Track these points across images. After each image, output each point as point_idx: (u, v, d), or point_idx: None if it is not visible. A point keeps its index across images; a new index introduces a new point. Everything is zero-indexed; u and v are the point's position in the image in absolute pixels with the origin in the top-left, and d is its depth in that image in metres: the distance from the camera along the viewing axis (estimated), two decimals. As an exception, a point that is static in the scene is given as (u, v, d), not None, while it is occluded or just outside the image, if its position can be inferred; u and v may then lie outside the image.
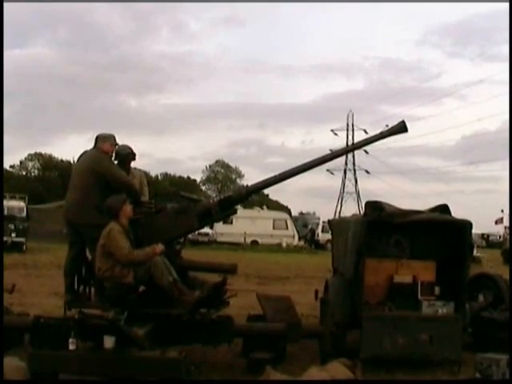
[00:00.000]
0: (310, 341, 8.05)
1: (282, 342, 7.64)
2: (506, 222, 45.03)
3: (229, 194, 7.61)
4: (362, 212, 9.00)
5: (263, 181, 7.68)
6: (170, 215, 7.38)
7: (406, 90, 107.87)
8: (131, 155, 8.21)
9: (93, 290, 7.32)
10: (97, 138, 7.66)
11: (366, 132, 74.39)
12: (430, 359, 7.53)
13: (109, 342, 5.23)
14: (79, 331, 5.31)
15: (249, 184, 7.80)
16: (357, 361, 7.09)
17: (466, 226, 7.84)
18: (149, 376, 5.70)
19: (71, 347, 5.23)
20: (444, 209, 8.10)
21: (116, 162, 7.92)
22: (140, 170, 8.35)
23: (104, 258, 6.89)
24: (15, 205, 30.17)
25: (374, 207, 7.88)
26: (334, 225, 10.25)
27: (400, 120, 7.53)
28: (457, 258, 7.87)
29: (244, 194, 7.57)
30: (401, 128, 7.50)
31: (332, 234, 10.26)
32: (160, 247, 6.87)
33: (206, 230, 39.84)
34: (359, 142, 8.07)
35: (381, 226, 7.90)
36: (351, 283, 7.99)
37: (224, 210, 7.42)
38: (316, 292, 9.48)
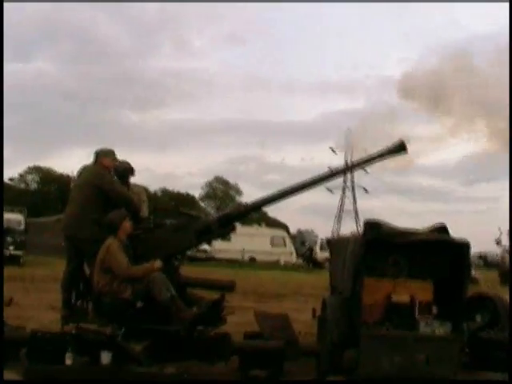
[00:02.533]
0: (307, 359, 8.04)
1: (278, 359, 7.64)
2: (505, 241, 45.08)
3: (228, 211, 7.68)
4: (360, 231, 9.01)
5: (262, 198, 7.72)
6: (169, 231, 7.41)
7: (406, 108, 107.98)
8: (130, 171, 8.23)
9: (90, 304, 7.31)
10: (97, 153, 7.71)
11: (365, 151, 74.40)
12: (426, 379, 7.52)
13: (106, 357, 5.22)
14: (76, 346, 5.30)
15: (248, 201, 7.85)
16: (353, 379, 7.07)
17: (464, 246, 7.84)
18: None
19: (68, 362, 5.23)
20: (442, 229, 8.12)
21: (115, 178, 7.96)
22: (139, 186, 8.36)
23: (102, 273, 6.90)
24: (13, 218, 30.11)
25: (372, 226, 7.90)
26: (332, 243, 10.26)
27: (399, 140, 7.60)
28: (455, 278, 7.88)
29: (243, 211, 7.61)
30: (400, 148, 7.56)
31: (330, 253, 10.26)
32: (158, 263, 6.89)
33: (204, 246, 39.78)
34: (358, 161, 8.11)
35: (379, 245, 7.90)
36: (349, 302, 7.99)
37: (223, 227, 7.46)
38: (313, 310, 9.45)
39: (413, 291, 7.89)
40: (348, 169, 8.00)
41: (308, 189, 7.83)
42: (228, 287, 7.81)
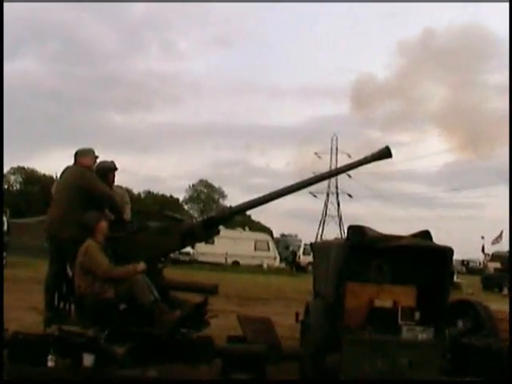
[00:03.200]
0: (289, 363, 8.04)
1: (261, 363, 7.64)
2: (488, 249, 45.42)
3: (212, 214, 7.66)
4: (344, 236, 9.04)
5: (247, 202, 7.73)
6: (153, 234, 7.38)
7: (392, 114, 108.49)
8: (112, 169, 8.05)
9: (73, 306, 7.27)
10: (76, 153, 7.64)
11: (349, 156, 74.68)
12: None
13: (88, 359, 5.20)
14: (58, 348, 5.27)
15: (232, 205, 7.85)
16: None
17: (447, 252, 7.89)
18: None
19: (50, 364, 5.19)
20: (426, 235, 8.17)
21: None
22: (122, 187, 8.29)
23: (83, 275, 6.87)
24: (-5, 218, 29.88)
25: (356, 231, 7.93)
26: (316, 248, 10.28)
27: (384, 145, 7.63)
28: (437, 284, 7.93)
29: (227, 214, 7.61)
30: (384, 153, 7.59)
31: (314, 257, 10.29)
32: (142, 265, 6.87)
33: (188, 249, 39.73)
34: (343, 166, 8.13)
35: (363, 251, 7.94)
36: (332, 306, 8.00)
37: (207, 230, 7.45)
38: (297, 314, 9.46)
39: (396, 296, 7.93)
40: (332, 174, 8.03)
41: (292, 193, 7.84)
42: (211, 290, 7.80)
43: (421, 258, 8.07)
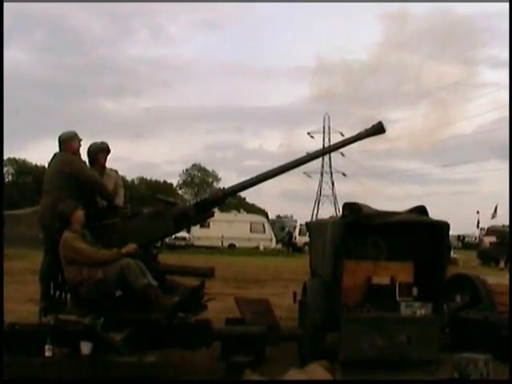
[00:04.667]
0: (288, 343, 8.03)
1: (260, 344, 7.62)
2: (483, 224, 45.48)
3: (205, 196, 7.60)
4: (339, 214, 9.00)
5: (240, 183, 7.66)
6: (146, 219, 7.31)
7: (383, 92, 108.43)
8: (102, 150, 7.87)
9: (69, 295, 7.22)
10: (60, 138, 7.49)
11: (342, 135, 74.65)
12: (408, 360, 7.55)
13: (85, 347, 5.16)
14: (55, 337, 5.24)
15: (226, 187, 7.79)
16: (336, 363, 7.08)
17: (444, 227, 7.86)
18: (126, 381, 5.65)
19: (47, 354, 5.15)
20: (421, 210, 8.12)
21: (88, 160, 7.80)
22: (115, 170, 8.14)
23: (69, 267, 6.83)
24: (-12, 210, 29.76)
25: (351, 209, 7.89)
26: (311, 227, 10.24)
27: (377, 121, 7.57)
28: (434, 259, 7.90)
29: (221, 196, 7.54)
30: (378, 129, 7.52)
31: (310, 236, 10.25)
32: (129, 247, 6.80)
33: (183, 233, 39.73)
34: (336, 143, 8.05)
35: (358, 228, 7.90)
36: (329, 285, 7.98)
37: (201, 213, 7.38)
38: (294, 294, 9.45)
39: (393, 273, 7.91)
40: (326, 151, 7.94)
41: (285, 173, 7.77)
42: (207, 274, 7.75)
43: (417, 234, 8.04)
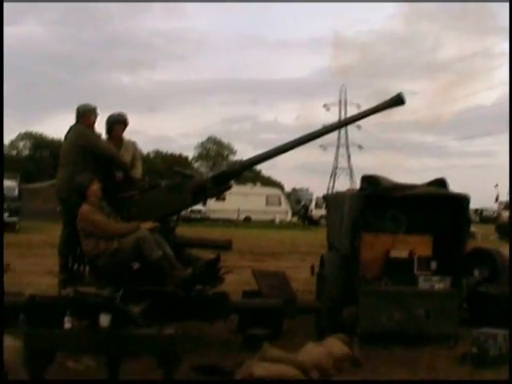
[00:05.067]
0: (305, 316, 8.01)
1: (278, 317, 7.61)
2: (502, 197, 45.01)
3: (223, 169, 7.54)
4: (356, 187, 8.94)
5: (257, 156, 7.61)
6: (164, 191, 7.30)
7: (401, 63, 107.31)
8: (119, 123, 7.82)
9: (87, 268, 7.24)
10: (77, 110, 7.47)
11: (358, 107, 74.18)
12: (426, 334, 7.53)
13: (104, 320, 5.15)
14: (75, 310, 5.25)
15: (242, 159, 7.74)
16: (354, 336, 7.06)
17: (463, 200, 7.78)
18: (145, 353, 5.66)
19: (67, 326, 5.17)
20: (441, 183, 8.04)
21: (105, 131, 7.78)
22: (133, 142, 8.08)
23: (87, 240, 6.87)
24: (7, 184, 29.82)
25: (369, 181, 7.82)
26: (329, 200, 10.18)
27: (396, 93, 7.46)
28: (454, 233, 7.84)
29: (238, 168, 7.49)
30: (397, 101, 7.42)
31: (327, 209, 10.20)
32: (149, 224, 6.79)
33: (199, 206, 39.74)
34: (355, 115, 7.96)
35: (377, 201, 7.84)
36: (347, 258, 7.96)
37: (218, 186, 7.35)
38: (312, 267, 9.44)
39: (411, 246, 7.87)
40: (344, 123, 7.86)
41: (302, 145, 7.71)
42: (225, 246, 7.73)
43: (436, 207, 7.97)
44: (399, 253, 7.88)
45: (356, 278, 7.68)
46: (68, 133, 7.52)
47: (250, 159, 7.58)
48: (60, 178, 7.48)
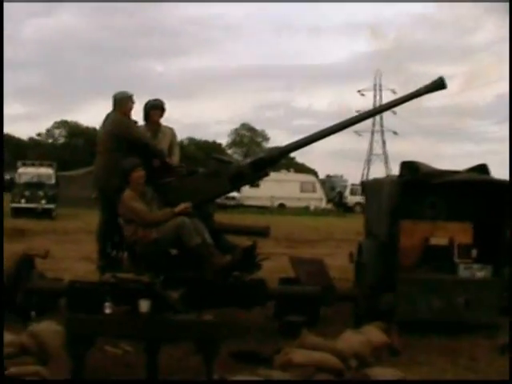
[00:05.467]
0: (342, 304, 7.96)
1: (315, 304, 7.58)
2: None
3: (261, 155, 7.47)
4: (390, 174, 8.82)
5: (295, 142, 7.54)
6: (202, 178, 7.30)
7: (437, 47, 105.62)
8: (156, 109, 7.77)
9: (125, 254, 7.27)
10: (113, 98, 7.48)
11: (394, 92, 73.46)
12: (465, 323, 7.42)
13: (144, 305, 5.17)
14: (115, 295, 5.28)
15: (277, 146, 7.67)
16: (392, 324, 6.99)
17: (506, 186, 7.63)
18: (184, 339, 5.70)
19: (107, 311, 5.20)
20: (482, 169, 7.90)
21: (143, 117, 7.79)
22: (171, 128, 8.07)
23: (127, 226, 6.92)
24: (44, 172, 30.30)
25: (409, 167, 7.71)
26: (367, 186, 10.08)
27: (438, 77, 7.32)
28: (495, 220, 7.70)
29: (276, 155, 7.44)
30: (439, 85, 7.29)
31: (365, 196, 10.09)
32: (181, 207, 6.79)
33: (233, 193, 39.81)
34: (395, 100, 7.78)
35: (416, 187, 7.74)
36: (385, 246, 7.88)
37: (256, 172, 7.32)
38: (350, 255, 9.38)
39: (451, 233, 7.76)
40: (383, 108, 7.74)
41: (339, 131, 7.62)
42: (263, 233, 7.70)
43: (478, 193, 7.83)
44: (439, 240, 7.78)
45: (394, 266, 7.60)
46: (105, 121, 7.54)
47: (287, 145, 7.51)
48: (97, 165, 7.51)
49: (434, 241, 7.78)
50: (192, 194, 7.10)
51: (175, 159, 7.77)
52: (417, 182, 7.61)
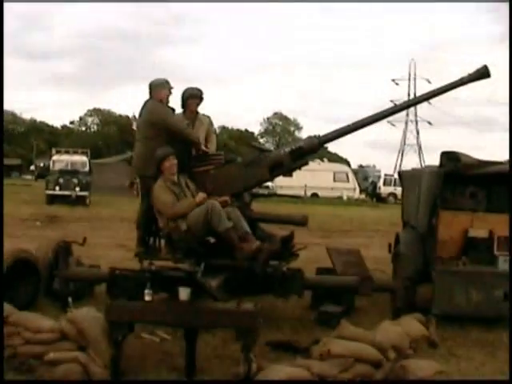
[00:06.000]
0: (377, 294, 7.89)
1: (350, 295, 7.54)
2: None
3: (300, 144, 7.39)
4: (423, 165, 8.71)
5: (334, 131, 7.46)
6: (241, 166, 7.27)
7: (470, 35, 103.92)
8: (193, 97, 7.74)
9: (162, 242, 7.29)
10: (150, 85, 7.48)
11: (429, 82, 72.67)
12: (504, 316, 7.31)
13: (184, 293, 5.19)
14: (155, 283, 5.30)
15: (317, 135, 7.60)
16: (431, 316, 6.91)
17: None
18: (224, 327, 5.76)
19: (147, 298, 5.22)
20: (524, 160, 7.76)
21: (180, 105, 7.78)
22: (208, 116, 8.05)
23: (159, 216, 6.93)
24: (78, 159, 30.59)
25: (450, 158, 7.59)
26: (405, 177, 9.95)
27: (482, 65, 7.18)
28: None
29: (316, 144, 7.36)
30: (483, 73, 7.14)
31: (402, 186, 9.98)
32: (201, 195, 6.76)
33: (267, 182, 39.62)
34: (437, 89, 7.58)
35: (456, 178, 7.64)
36: (424, 237, 7.79)
37: (295, 161, 7.27)
38: (389, 245, 9.30)
39: (491, 225, 7.67)
40: (425, 98, 7.58)
41: (378, 122, 7.55)
42: (302, 222, 7.65)
43: (519, 185, 7.69)
44: (478, 232, 7.69)
45: (433, 258, 7.51)
46: (142, 108, 7.55)
47: (326, 135, 7.43)
48: (136, 153, 7.53)
49: (473, 232, 7.68)
50: (231, 183, 7.10)
51: (212, 148, 7.75)
52: (457, 172, 7.49)
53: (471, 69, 7.30)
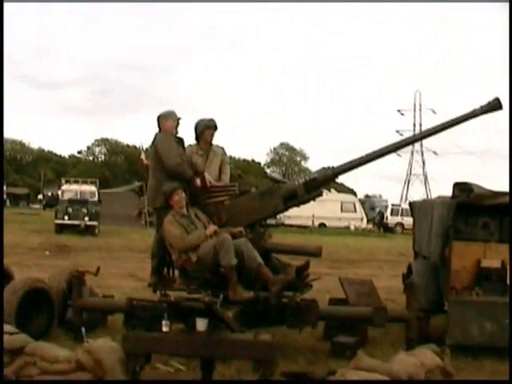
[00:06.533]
0: (389, 325, 7.86)
1: (364, 326, 7.52)
2: None
3: (314, 175, 7.43)
4: (430, 195, 8.73)
5: (348, 162, 7.47)
6: (255, 197, 7.31)
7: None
8: (210, 128, 7.82)
9: (176, 272, 7.31)
10: (158, 118, 7.57)
11: (434, 112, 72.93)
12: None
13: (201, 324, 5.20)
14: (173, 314, 5.33)
15: (316, 168, 7.67)
16: (445, 347, 6.89)
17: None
18: (241, 358, 5.73)
19: (165, 329, 5.24)
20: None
21: (194, 136, 7.86)
22: (221, 147, 8.11)
23: (171, 249, 6.96)
24: (87, 189, 30.73)
25: (463, 188, 7.64)
26: (416, 207, 10.00)
27: (494, 97, 7.24)
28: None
29: (330, 175, 7.40)
30: (495, 105, 7.19)
31: (413, 217, 10.01)
32: (212, 228, 6.78)
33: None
34: (448, 121, 7.62)
35: (468, 208, 7.66)
36: (437, 267, 7.80)
37: (309, 192, 7.30)
38: (403, 275, 9.29)
39: (504, 256, 7.66)
40: (436, 130, 7.62)
41: (392, 153, 7.60)
42: (315, 253, 7.64)
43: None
44: (491, 262, 7.68)
45: (446, 288, 7.51)
46: (153, 141, 7.63)
47: (340, 166, 7.44)
48: (149, 185, 7.60)
49: (486, 263, 7.68)
50: (246, 213, 7.13)
51: (226, 178, 7.82)
52: (470, 203, 7.53)
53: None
